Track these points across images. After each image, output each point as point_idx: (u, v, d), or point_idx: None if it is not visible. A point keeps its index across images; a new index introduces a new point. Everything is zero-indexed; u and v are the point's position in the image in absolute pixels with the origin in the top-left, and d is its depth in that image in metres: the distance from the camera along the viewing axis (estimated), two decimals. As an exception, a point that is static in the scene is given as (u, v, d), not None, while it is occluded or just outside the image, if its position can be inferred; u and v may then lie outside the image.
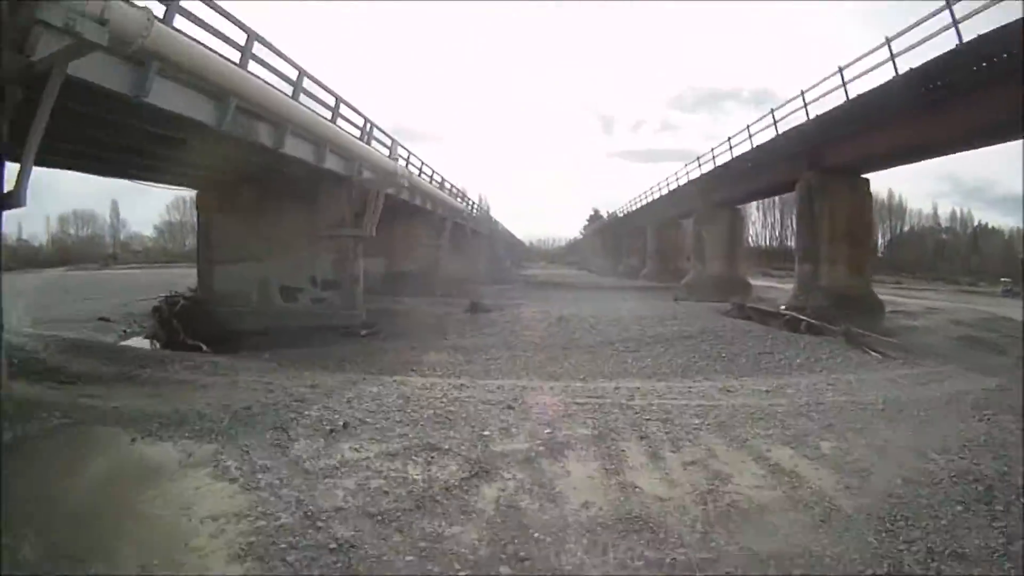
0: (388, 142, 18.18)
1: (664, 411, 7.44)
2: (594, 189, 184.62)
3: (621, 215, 48.90)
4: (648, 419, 7.08)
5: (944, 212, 65.38)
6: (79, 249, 55.87)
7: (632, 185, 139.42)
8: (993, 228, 62.48)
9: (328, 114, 14.28)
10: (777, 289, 32.81)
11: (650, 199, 35.87)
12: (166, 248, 61.65)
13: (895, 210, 63.20)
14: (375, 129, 17.13)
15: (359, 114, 16.12)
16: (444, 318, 16.89)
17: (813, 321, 14.76)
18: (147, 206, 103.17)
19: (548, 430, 6.59)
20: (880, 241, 58.44)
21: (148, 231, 66.57)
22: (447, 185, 29.43)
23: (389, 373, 9.74)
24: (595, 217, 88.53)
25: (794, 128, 18.01)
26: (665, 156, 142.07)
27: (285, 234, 16.80)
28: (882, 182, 67.32)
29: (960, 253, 59.01)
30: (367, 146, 16.09)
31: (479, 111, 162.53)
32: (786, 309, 16.60)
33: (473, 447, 6.03)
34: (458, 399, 7.84)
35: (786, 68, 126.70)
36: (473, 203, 43.64)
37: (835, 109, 16.27)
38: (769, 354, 12.08)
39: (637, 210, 40.72)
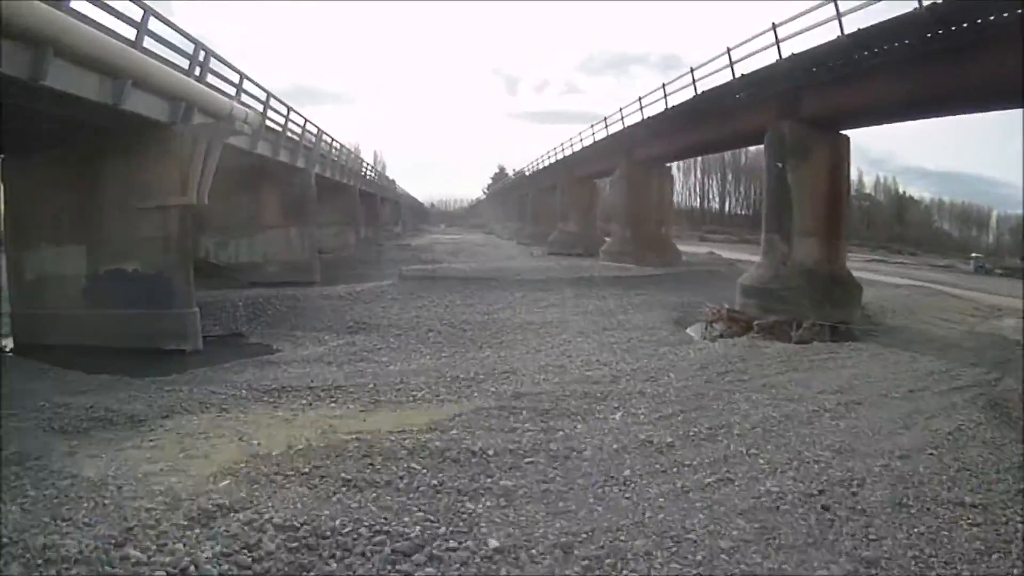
0: None
1: None
2: (496, 151, 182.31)
3: (552, 162, 34.37)
4: None
5: (868, 180, 62.82)
6: None
7: (534, 146, 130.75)
8: (911, 198, 62.20)
9: None
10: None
11: (624, 122, 21.52)
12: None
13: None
14: None
15: None
16: None
17: None
18: None
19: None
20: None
21: None
22: (223, 71, 13.41)
23: None
24: (500, 175, 77.55)
25: None
26: (570, 118, 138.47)
27: None
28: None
29: (885, 222, 57.50)
30: None
31: (383, 70, 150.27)
32: None
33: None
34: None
35: (694, 34, 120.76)
36: (367, 164, 27.62)
37: None
38: None
39: (590, 148, 26.13)
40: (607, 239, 31.41)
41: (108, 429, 6.13)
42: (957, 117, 13.15)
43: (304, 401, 7.13)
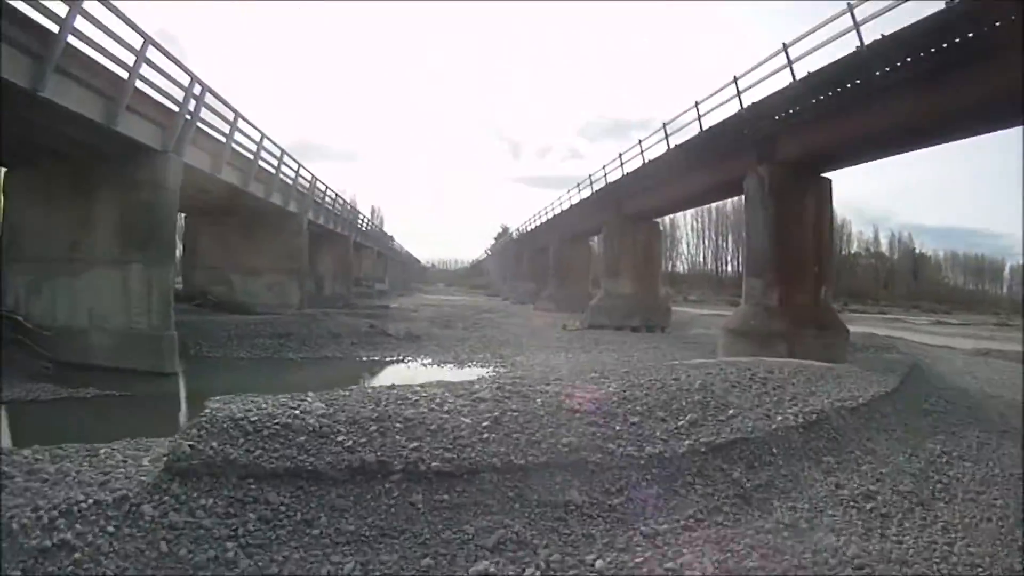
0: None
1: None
2: (499, 215, 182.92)
3: (588, 194, 24.47)
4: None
5: (884, 238, 60.35)
6: None
7: (534, 211, 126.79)
8: (923, 254, 60.85)
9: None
10: None
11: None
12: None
13: (840, 232, 53.80)
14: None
15: None
16: None
17: None
18: None
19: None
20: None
21: None
22: None
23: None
24: (503, 234, 68.87)
25: None
26: (569, 183, 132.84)
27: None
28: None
29: (902, 280, 55.93)
30: None
31: (390, 133, 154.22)
32: None
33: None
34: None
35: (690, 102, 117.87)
36: (326, 188, 17.89)
37: None
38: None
39: (674, 152, 15.84)
40: (673, 306, 21.43)
41: None
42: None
43: None
